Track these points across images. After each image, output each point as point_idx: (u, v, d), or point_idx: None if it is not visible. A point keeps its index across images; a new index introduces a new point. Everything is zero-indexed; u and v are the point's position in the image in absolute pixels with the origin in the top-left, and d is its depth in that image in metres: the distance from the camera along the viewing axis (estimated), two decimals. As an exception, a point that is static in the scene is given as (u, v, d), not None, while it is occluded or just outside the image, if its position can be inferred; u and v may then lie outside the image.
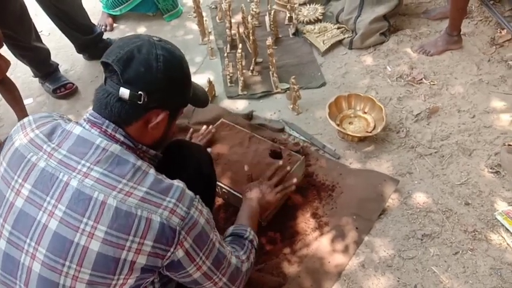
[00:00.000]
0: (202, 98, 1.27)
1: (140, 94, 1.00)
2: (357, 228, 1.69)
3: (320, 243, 1.67)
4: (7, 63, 2.08)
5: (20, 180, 0.98)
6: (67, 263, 0.93)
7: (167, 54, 1.04)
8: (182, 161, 1.33)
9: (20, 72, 2.69)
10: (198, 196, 1.07)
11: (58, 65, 2.60)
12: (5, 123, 2.45)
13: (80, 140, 1.00)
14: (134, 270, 0.96)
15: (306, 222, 1.75)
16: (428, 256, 1.59)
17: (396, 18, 2.63)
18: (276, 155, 1.84)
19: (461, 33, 2.39)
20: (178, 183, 1.03)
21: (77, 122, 1.05)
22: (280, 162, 1.74)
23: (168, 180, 1.03)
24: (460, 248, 1.61)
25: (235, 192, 1.70)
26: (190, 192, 1.04)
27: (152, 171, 1.02)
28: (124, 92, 1.00)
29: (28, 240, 0.96)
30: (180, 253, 1.00)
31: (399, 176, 1.86)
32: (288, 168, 1.70)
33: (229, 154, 1.84)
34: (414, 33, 2.58)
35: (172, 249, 0.98)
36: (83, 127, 1.02)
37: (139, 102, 1.01)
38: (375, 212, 1.73)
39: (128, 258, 0.94)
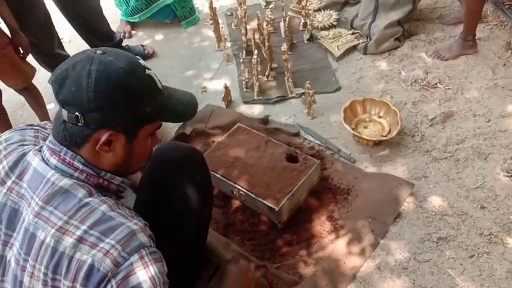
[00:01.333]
0: (182, 112, 1.11)
1: (77, 115, 0.91)
2: (372, 231, 1.71)
3: (335, 245, 1.69)
4: (33, 70, 2.15)
5: None
6: None
7: (102, 68, 0.92)
8: (163, 171, 1.26)
9: (41, 78, 2.75)
10: (152, 248, 0.92)
11: None
12: (27, 128, 2.52)
13: (36, 173, 0.95)
14: None
15: (321, 225, 1.78)
16: (443, 259, 1.61)
17: (410, 23, 2.65)
18: (292, 158, 1.87)
19: (476, 37, 2.40)
20: (131, 224, 0.91)
21: (40, 149, 1.00)
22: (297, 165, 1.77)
23: (119, 219, 0.91)
24: (476, 251, 1.61)
25: (252, 195, 1.73)
26: (142, 239, 0.90)
27: (104, 207, 0.92)
28: (63, 114, 0.93)
29: (0, 276, 0.96)
30: None
31: (415, 179, 1.88)
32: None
33: (246, 158, 1.87)
34: (429, 38, 2.59)
35: None
36: (43, 156, 0.97)
37: (78, 124, 0.92)
38: (390, 215, 1.75)
39: None
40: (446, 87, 2.27)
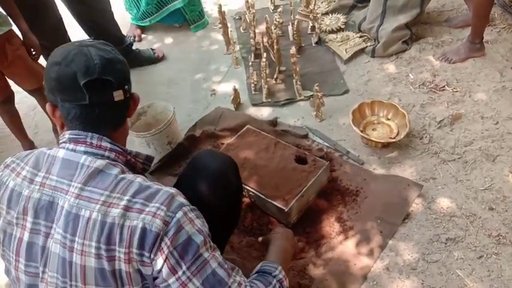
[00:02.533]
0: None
1: (127, 87, 1.07)
2: (381, 232, 1.73)
3: (344, 246, 1.71)
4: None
5: (21, 216, 1.00)
6: (73, 283, 0.96)
7: (106, 46, 1.08)
8: (201, 170, 1.32)
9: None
10: (192, 206, 1.01)
11: None
12: (39, 130, 2.56)
13: (66, 163, 1.00)
14: (133, 280, 0.94)
15: (330, 226, 1.79)
16: (452, 260, 1.62)
17: (418, 26, 2.67)
18: (301, 160, 1.89)
19: (484, 40, 2.41)
20: (168, 189, 1.00)
21: (59, 145, 1.05)
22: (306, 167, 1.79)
23: (156, 186, 0.99)
24: (484, 252, 1.62)
25: (261, 196, 1.75)
26: (181, 199, 0.99)
27: (139, 179, 1.00)
28: (119, 94, 1.04)
29: (41, 268, 1.00)
30: (160, 262, 0.93)
31: (423, 181, 1.89)
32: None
33: (255, 159, 1.90)
34: (437, 41, 2.60)
35: (152, 256, 0.93)
36: (67, 148, 1.02)
37: (127, 96, 1.06)
38: (399, 216, 1.76)
39: (122, 268, 0.93)
40: (454, 90, 2.28)
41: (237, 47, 2.87)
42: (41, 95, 2.28)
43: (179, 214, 0.95)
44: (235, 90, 2.38)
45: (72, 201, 0.96)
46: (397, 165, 1.98)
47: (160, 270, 0.93)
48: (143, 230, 0.92)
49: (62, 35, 2.45)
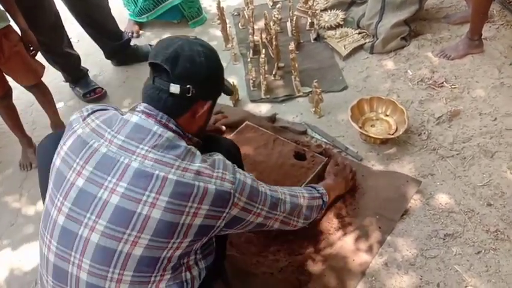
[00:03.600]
0: (229, 87, 1.39)
1: (189, 88, 1.13)
2: (380, 228, 1.73)
3: (343, 242, 1.71)
4: (42, 67, 2.19)
5: (81, 163, 1.09)
6: (128, 231, 1.04)
7: (206, 50, 1.18)
8: (215, 150, 1.40)
9: (51, 77, 2.79)
10: (234, 165, 1.21)
11: (88, 70, 2.70)
12: (37, 126, 2.55)
13: (138, 127, 1.11)
14: (188, 234, 1.08)
15: (329, 222, 1.79)
16: (450, 255, 1.62)
17: (417, 23, 2.67)
18: (300, 156, 1.90)
19: (482, 37, 2.41)
20: (217, 156, 1.18)
21: (132, 112, 1.16)
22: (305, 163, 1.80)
23: (210, 158, 1.16)
24: (483, 247, 1.63)
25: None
26: (229, 162, 1.19)
27: (198, 152, 1.15)
28: (175, 87, 1.12)
29: (88, 215, 1.06)
30: (235, 211, 1.15)
31: (422, 177, 1.89)
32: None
33: (254, 155, 1.90)
34: (435, 38, 2.61)
35: (227, 210, 1.13)
36: (140, 117, 1.13)
37: (187, 95, 1.13)
38: (397, 212, 1.77)
39: (186, 221, 1.06)
40: (453, 86, 2.29)
41: (236, 43, 2.86)
42: (38, 91, 2.27)
43: (238, 174, 1.17)
44: (233, 86, 2.38)
45: (146, 162, 1.06)
46: (396, 162, 1.98)
47: (235, 217, 1.16)
48: (217, 191, 1.09)
49: (59, 31, 2.44)
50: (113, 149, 1.09)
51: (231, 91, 1.39)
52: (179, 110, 1.17)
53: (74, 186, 1.08)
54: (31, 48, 2.09)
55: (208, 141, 1.41)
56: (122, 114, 1.17)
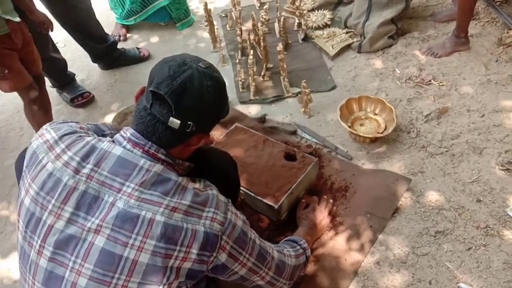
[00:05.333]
0: (228, 110, 1.30)
1: (190, 124, 1.05)
2: (371, 226, 1.73)
3: (335, 242, 1.71)
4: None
5: (58, 204, 1.01)
6: (117, 275, 0.99)
7: (216, 84, 1.08)
8: (208, 169, 1.34)
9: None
10: (229, 200, 1.15)
11: (75, 75, 2.68)
12: (25, 133, 2.52)
13: (122, 161, 1.04)
14: (180, 275, 1.03)
15: (320, 222, 1.79)
16: (441, 252, 1.63)
17: (403, 21, 2.68)
18: (290, 157, 1.89)
19: (469, 34, 2.43)
20: (211, 191, 1.11)
21: (113, 141, 1.08)
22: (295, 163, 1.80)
23: (204, 190, 1.10)
24: (473, 243, 1.64)
25: (251, 193, 1.75)
26: (222, 198, 1.12)
27: (190, 185, 1.08)
28: (175, 122, 1.03)
29: (73, 258, 1.00)
30: (223, 256, 1.08)
31: (411, 175, 1.90)
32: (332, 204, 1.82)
33: (244, 157, 1.89)
34: (422, 36, 2.62)
35: (215, 254, 1.06)
36: (124, 147, 1.06)
37: (187, 130, 1.05)
38: (388, 210, 1.77)
39: (175, 265, 1.02)
40: (440, 84, 2.30)
41: (224, 45, 2.86)
42: (41, 79, 2.23)
43: (229, 214, 1.10)
44: (222, 88, 2.37)
45: (132, 202, 1.00)
46: (385, 160, 1.99)
47: (223, 264, 1.09)
48: (206, 234, 1.03)
49: (44, 36, 2.41)
50: (94, 185, 1.01)
51: (228, 112, 1.28)
52: (173, 142, 1.09)
53: (53, 229, 1.01)
54: (46, 26, 2.13)
55: (200, 158, 1.34)
56: (100, 139, 1.09)
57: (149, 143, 1.07)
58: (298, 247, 1.45)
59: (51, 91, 2.69)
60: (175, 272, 1.02)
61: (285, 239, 1.51)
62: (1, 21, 1.84)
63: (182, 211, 1.03)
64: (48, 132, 1.12)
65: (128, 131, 1.09)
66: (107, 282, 0.99)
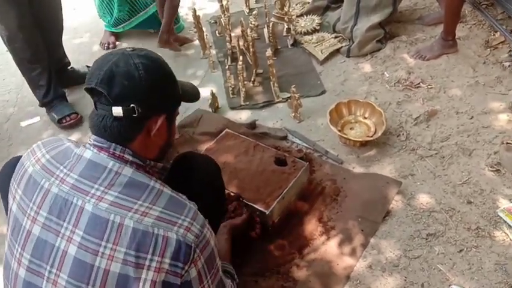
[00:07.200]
0: (192, 92, 1.27)
1: (133, 107, 1.00)
2: (362, 230, 1.73)
3: (327, 247, 1.71)
4: None
5: (35, 208, 1.00)
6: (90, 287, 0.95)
7: (145, 60, 1.03)
8: (191, 173, 1.33)
9: (26, 92, 2.75)
10: (206, 220, 1.08)
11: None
12: (13, 142, 2.49)
13: (92, 164, 1.01)
14: None
15: (312, 227, 1.79)
16: (433, 255, 1.63)
17: (391, 25, 2.70)
18: (280, 162, 1.89)
19: (456, 37, 2.45)
20: (190, 203, 1.06)
21: (85, 146, 1.06)
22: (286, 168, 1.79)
23: (182, 199, 1.05)
24: (465, 245, 1.64)
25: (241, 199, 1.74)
26: (201, 216, 1.06)
27: (166, 189, 1.04)
28: (117, 110, 0.99)
29: (49, 267, 0.98)
30: (193, 272, 1.00)
31: (402, 178, 1.90)
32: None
33: (235, 163, 1.88)
34: (410, 39, 2.64)
35: (187, 267, 0.98)
36: (92, 150, 1.03)
37: (134, 115, 1.00)
38: (379, 214, 1.77)
39: (149, 277, 0.94)
40: (429, 87, 2.31)
41: (213, 51, 2.86)
42: None
43: (205, 229, 1.03)
44: (212, 94, 2.36)
45: (102, 205, 0.96)
46: (376, 163, 1.99)
47: (191, 279, 1.00)
48: (178, 242, 0.96)
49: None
50: (65, 188, 0.99)
51: (194, 96, 1.26)
52: (130, 133, 1.04)
53: (31, 235, 0.99)
54: None
55: (182, 163, 1.33)
56: (78, 146, 1.07)
57: (113, 144, 1.03)
58: (233, 280, 1.34)
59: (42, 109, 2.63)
60: (149, 285, 0.94)
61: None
62: None
63: (154, 216, 0.97)
64: (37, 143, 1.13)
65: (91, 138, 1.06)
66: None
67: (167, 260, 0.96)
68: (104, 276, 0.94)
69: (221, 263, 1.21)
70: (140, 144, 1.06)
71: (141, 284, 0.94)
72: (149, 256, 0.95)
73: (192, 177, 1.31)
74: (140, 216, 0.96)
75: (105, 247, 0.94)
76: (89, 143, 1.05)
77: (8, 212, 1.08)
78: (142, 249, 0.94)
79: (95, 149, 1.03)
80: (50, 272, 0.97)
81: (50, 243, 0.98)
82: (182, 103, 1.19)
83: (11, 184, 1.10)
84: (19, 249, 1.01)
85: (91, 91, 1.03)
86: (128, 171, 1.01)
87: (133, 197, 0.98)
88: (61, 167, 1.02)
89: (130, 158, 1.04)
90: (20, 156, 1.14)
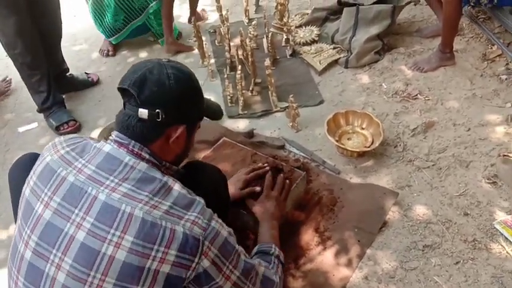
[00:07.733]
0: (216, 110, 1.37)
1: (158, 112, 1.07)
2: (359, 241, 1.72)
3: (323, 257, 1.70)
4: None
5: (49, 193, 1.05)
6: (92, 273, 0.98)
7: (177, 72, 1.12)
8: (197, 183, 1.33)
9: (24, 98, 2.75)
10: (215, 213, 1.13)
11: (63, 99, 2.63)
12: (10, 148, 2.49)
13: (109, 157, 1.08)
14: (157, 280, 1.00)
15: (308, 237, 1.78)
16: (429, 266, 1.62)
17: (389, 37, 2.72)
18: (277, 171, 1.88)
19: (454, 49, 2.47)
20: (198, 198, 1.11)
21: (106, 141, 1.13)
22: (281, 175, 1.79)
23: (191, 196, 1.10)
24: (461, 257, 1.63)
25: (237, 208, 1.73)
26: (209, 210, 1.11)
27: (176, 186, 1.09)
28: (143, 112, 1.07)
29: (54, 251, 1.01)
30: (206, 263, 1.06)
31: (399, 189, 1.90)
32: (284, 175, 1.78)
33: (232, 171, 1.88)
34: (408, 51, 2.66)
35: (196, 260, 1.03)
36: (112, 146, 1.10)
37: (157, 119, 1.08)
38: (376, 224, 1.76)
39: (152, 267, 0.99)
40: (426, 98, 2.32)
41: (212, 60, 2.87)
42: None
43: (213, 222, 1.08)
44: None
45: (113, 195, 1.01)
46: (373, 174, 1.99)
47: (205, 272, 1.06)
48: (185, 235, 1.01)
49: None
50: (81, 178, 1.05)
51: (217, 114, 1.36)
52: (150, 136, 1.11)
53: (41, 219, 1.03)
54: None
55: (190, 170, 1.37)
56: (95, 141, 1.14)
57: (132, 141, 1.10)
58: (273, 258, 1.42)
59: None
60: (152, 275, 0.99)
61: (255, 251, 1.45)
62: None
63: (163, 210, 1.02)
64: (58, 138, 1.19)
65: (113, 134, 1.13)
66: (83, 280, 0.98)
67: (173, 252, 1.00)
68: (109, 263, 0.98)
69: (258, 246, 1.42)
70: (158, 148, 1.13)
71: (144, 273, 0.99)
72: (155, 247, 0.99)
73: (197, 183, 1.32)
74: (149, 208, 1.01)
75: (113, 235, 0.99)
76: (110, 139, 1.12)
77: (21, 196, 1.13)
78: (149, 239, 0.99)
79: (115, 144, 1.10)
80: (55, 255, 1.00)
81: (59, 228, 1.02)
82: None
83: (31, 171, 1.15)
84: (28, 232, 1.04)
85: (123, 91, 1.12)
86: (143, 166, 1.07)
87: (145, 191, 1.03)
88: (80, 159, 1.08)
89: (147, 156, 1.11)
90: (34, 153, 1.23)
